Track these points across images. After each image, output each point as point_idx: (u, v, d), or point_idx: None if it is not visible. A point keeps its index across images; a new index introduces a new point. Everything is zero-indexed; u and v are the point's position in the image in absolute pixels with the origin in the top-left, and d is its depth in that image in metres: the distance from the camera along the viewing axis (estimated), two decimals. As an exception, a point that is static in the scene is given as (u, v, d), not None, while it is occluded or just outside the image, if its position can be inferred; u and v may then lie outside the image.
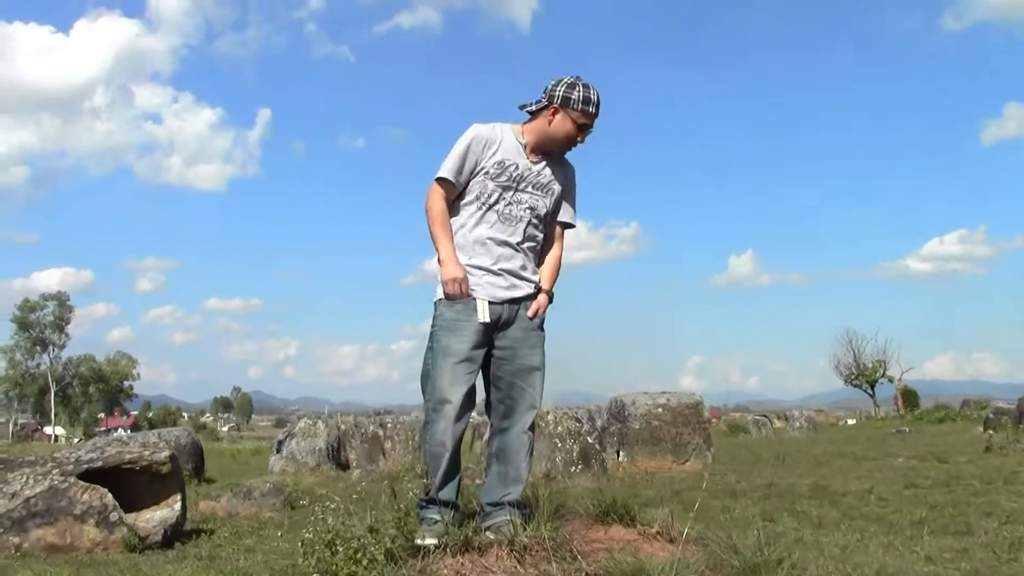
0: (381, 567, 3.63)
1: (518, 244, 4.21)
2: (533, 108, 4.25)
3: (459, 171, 4.17)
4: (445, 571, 3.65)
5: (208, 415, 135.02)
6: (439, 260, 4.18)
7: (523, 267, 4.23)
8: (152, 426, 71.65)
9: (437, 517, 3.93)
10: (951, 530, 6.92)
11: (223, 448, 33.49)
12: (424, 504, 4.05)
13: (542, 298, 4.26)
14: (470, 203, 4.21)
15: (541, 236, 4.33)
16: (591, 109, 4.16)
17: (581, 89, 4.14)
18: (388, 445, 15.60)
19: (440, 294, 4.16)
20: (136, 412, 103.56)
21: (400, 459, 15.01)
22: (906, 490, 9.64)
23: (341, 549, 3.68)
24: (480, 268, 4.14)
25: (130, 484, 7.62)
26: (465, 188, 4.22)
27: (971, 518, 7.46)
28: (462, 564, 3.67)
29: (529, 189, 4.22)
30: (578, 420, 12.31)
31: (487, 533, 3.89)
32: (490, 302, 4.10)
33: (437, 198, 4.19)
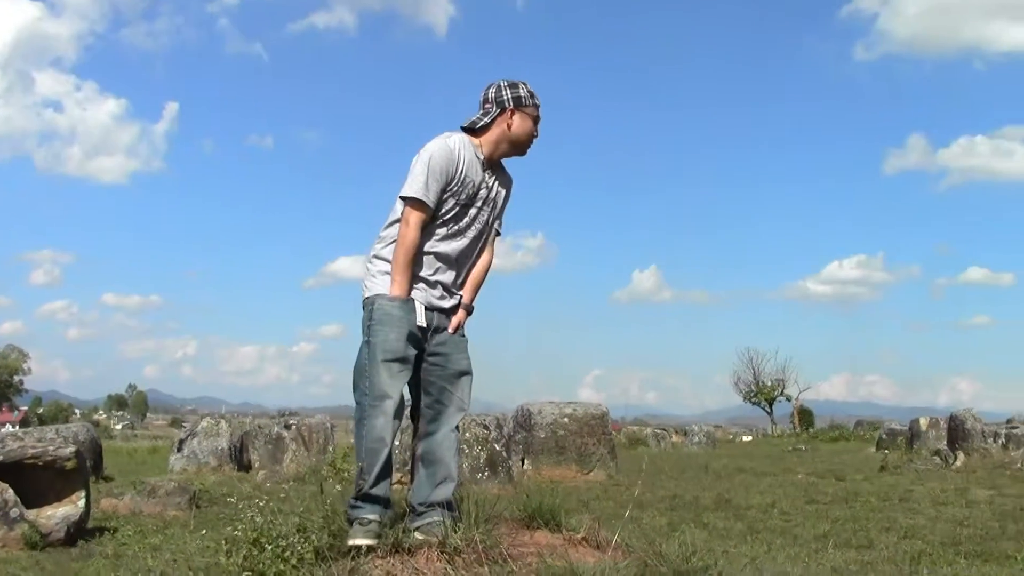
0: (310, 566, 3.59)
1: (456, 258, 4.21)
2: (487, 120, 4.18)
3: (433, 192, 4.03)
4: (376, 572, 3.62)
5: (101, 412, 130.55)
6: (391, 289, 4.04)
7: (454, 282, 4.25)
8: (43, 422, 69.18)
9: (372, 516, 3.87)
10: (854, 543, 7.15)
11: (118, 446, 32.46)
12: (356, 503, 3.95)
13: (461, 314, 4.26)
14: None
15: (478, 248, 4.33)
16: (538, 101, 4.24)
17: (522, 86, 4.22)
18: (293, 447, 15.44)
19: (377, 290, 4.09)
20: (26, 408, 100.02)
21: (304, 461, 14.87)
22: (807, 505, 9.90)
23: (269, 547, 3.63)
24: (417, 276, 4.11)
25: (31, 480, 7.35)
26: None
27: (872, 533, 7.74)
28: (392, 565, 3.65)
29: (479, 204, 4.20)
30: (486, 427, 12.30)
31: (416, 534, 3.87)
32: (425, 308, 4.10)
33: (416, 226, 4.04)
